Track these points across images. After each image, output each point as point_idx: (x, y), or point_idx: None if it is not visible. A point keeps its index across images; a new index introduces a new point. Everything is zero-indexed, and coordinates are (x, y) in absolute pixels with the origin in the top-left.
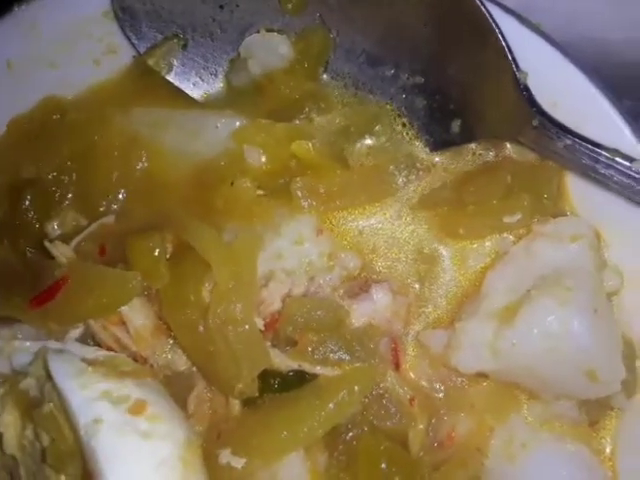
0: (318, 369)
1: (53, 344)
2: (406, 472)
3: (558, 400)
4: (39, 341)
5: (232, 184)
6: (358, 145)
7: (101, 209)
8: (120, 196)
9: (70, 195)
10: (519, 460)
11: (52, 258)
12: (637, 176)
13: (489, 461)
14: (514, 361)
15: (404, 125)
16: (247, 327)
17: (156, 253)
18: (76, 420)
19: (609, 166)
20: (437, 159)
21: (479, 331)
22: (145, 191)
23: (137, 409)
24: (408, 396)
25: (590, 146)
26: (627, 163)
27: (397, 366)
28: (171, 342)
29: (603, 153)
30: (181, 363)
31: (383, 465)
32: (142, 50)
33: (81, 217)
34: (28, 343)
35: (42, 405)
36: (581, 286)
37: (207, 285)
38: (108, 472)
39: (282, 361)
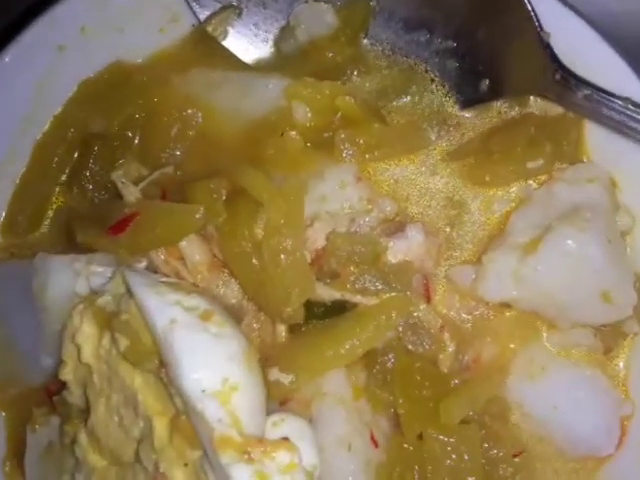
0: (358, 298)
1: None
2: (437, 385)
3: (575, 329)
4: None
5: (282, 135)
6: (395, 103)
7: (161, 161)
8: (178, 150)
9: (133, 148)
10: (539, 380)
11: (120, 200)
12: None
13: (510, 379)
14: (536, 287)
15: (436, 85)
16: (297, 255)
17: (214, 194)
18: (153, 322)
19: (622, 113)
20: (466, 115)
21: (504, 261)
22: (201, 145)
23: (206, 316)
24: (439, 324)
25: (606, 95)
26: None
27: (428, 299)
28: (224, 277)
29: (617, 101)
30: (232, 296)
31: (417, 378)
32: (202, 18)
33: (143, 168)
34: (103, 268)
35: (120, 314)
36: (597, 218)
37: (259, 223)
38: (184, 361)
39: (325, 292)
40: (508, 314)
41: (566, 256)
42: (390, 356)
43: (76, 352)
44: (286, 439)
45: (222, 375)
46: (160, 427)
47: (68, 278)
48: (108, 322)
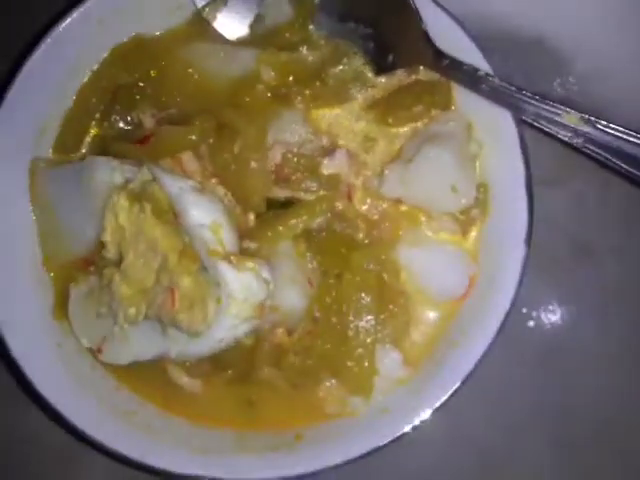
0: (302, 195)
1: None
2: (351, 246)
3: (442, 217)
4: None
5: (253, 88)
6: (331, 70)
7: (167, 105)
8: (179, 98)
9: (148, 95)
10: (419, 250)
11: (139, 129)
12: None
13: (400, 248)
14: (413, 186)
15: (359, 58)
16: (261, 162)
17: (205, 123)
18: (169, 190)
19: (472, 75)
20: (379, 80)
21: (396, 170)
22: (195, 95)
23: (200, 189)
24: (356, 214)
25: (460, 63)
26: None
27: (349, 199)
28: (212, 183)
29: (469, 65)
30: (221, 196)
31: (339, 241)
32: (199, 5)
33: (155, 110)
34: (131, 167)
35: (147, 190)
36: (453, 140)
37: (237, 143)
38: (190, 210)
39: (280, 191)
40: (401, 209)
41: (429, 161)
42: (322, 232)
43: (114, 219)
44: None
45: (213, 218)
46: (172, 257)
47: (108, 172)
48: (137, 197)
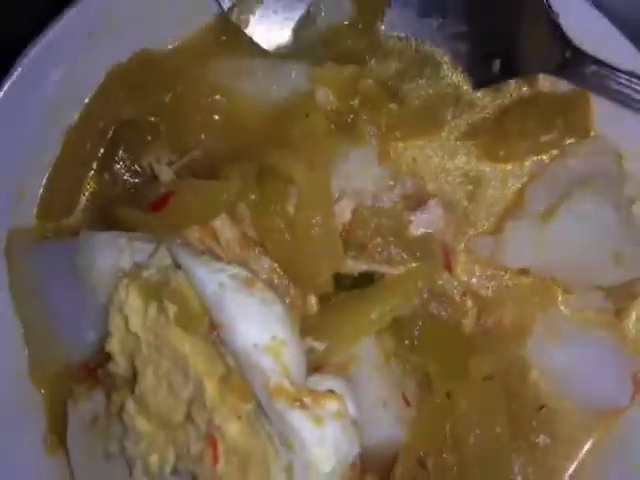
0: (385, 268)
1: None
2: (462, 346)
3: (588, 292)
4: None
5: (307, 116)
6: (410, 86)
7: (188, 146)
8: (204, 134)
9: (162, 134)
10: (555, 341)
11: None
12: None
13: (529, 341)
14: (553, 252)
15: (449, 67)
16: (328, 227)
17: (245, 172)
18: (202, 287)
19: (627, 86)
20: (479, 95)
21: (523, 229)
22: (227, 129)
23: (250, 282)
24: (461, 292)
25: (612, 70)
26: None
27: (450, 269)
28: (255, 254)
29: (622, 75)
30: (262, 273)
31: (444, 339)
32: (225, 7)
33: (173, 154)
34: (145, 244)
35: (168, 284)
36: (608, 186)
37: (290, 200)
38: (237, 321)
39: (353, 264)
40: (526, 280)
41: (583, 219)
42: (417, 322)
43: (123, 323)
44: (332, 391)
45: (271, 333)
46: (210, 386)
47: (112, 254)
48: (154, 293)
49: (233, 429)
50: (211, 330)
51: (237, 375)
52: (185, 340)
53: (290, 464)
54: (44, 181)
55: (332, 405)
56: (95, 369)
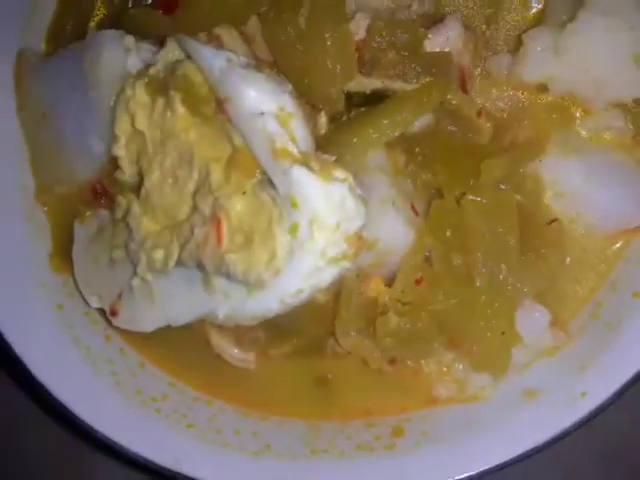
0: (399, 84)
1: None
2: (475, 154)
3: (607, 111)
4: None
5: None
6: None
7: None
8: None
9: None
10: (572, 159)
11: None
12: None
13: (545, 158)
14: (574, 59)
15: None
16: (341, 32)
17: None
18: (210, 65)
19: None
20: None
21: (544, 37)
22: None
23: (259, 65)
24: (476, 110)
25: None
26: None
27: (465, 90)
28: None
29: None
30: None
31: (457, 148)
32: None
33: None
34: (152, 46)
35: (175, 73)
36: None
37: (302, 11)
38: (244, 91)
39: (366, 81)
40: (544, 100)
41: (604, 15)
42: (430, 138)
43: (129, 122)
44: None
45: (279, 104)
46: (216, 171)
47: (120, 53)
48: (162, 86)
49: (238, 205)
50: (218, 111)
51: (243, 152)
52: (191, 129)
53: (295, 224)
54: (56, 4)
55: (340, 173)
56: (101, 193)
